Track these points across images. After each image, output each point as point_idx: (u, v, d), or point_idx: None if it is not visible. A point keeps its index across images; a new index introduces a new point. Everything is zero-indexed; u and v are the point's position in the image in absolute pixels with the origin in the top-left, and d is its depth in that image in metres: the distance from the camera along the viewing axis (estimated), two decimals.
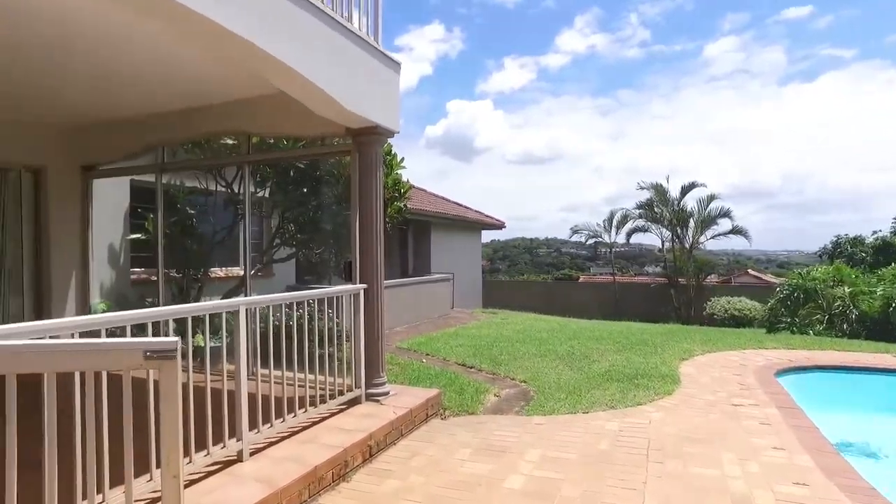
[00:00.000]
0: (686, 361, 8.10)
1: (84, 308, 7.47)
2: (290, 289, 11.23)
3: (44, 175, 7.23)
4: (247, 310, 3.83)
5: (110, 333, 2.97)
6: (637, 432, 5.02)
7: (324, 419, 4.75)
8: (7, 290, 7.04)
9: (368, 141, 5.30)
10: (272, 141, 7.04)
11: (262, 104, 5.85)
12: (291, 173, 8.12)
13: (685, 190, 23.17)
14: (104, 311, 7.57)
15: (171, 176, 8.35)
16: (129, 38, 4.49)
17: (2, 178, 7.02)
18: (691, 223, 22.88)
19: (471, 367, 7.74)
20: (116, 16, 3.94)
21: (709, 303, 19.42)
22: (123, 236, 8.24)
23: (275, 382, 4.18)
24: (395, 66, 5.56)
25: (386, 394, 5.37)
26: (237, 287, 8.27)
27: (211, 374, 3.62)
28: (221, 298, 8.37)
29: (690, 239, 23.03)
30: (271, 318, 4.28)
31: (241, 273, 9.95)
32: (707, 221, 22.54)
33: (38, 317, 7.25)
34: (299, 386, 4.66)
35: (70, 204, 7.39)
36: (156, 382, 1.73)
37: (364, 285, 5.15)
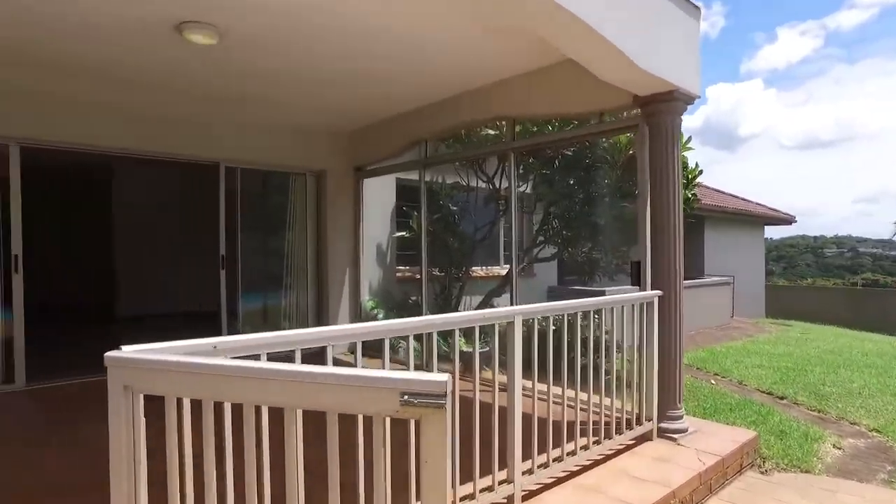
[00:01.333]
0: None
1: (356, 305, 7.70)
2: (550, 290, 10.53)
3: (324, 178, 7.61)
4: (522, 320, 3.08)
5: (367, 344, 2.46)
6: None
7: (606, 458, 3.79)
8: (296, 284, 7.55)
9: (662, 110, 4.19)
10: (535, 129, 6.34)
11: (524, 84, 5.15)
12: (556, 164, 7.34)
13: None
14: (373, 310, 7.74)
15: (433, 173, 8.23)
16: (388, 27, 4.16)
17: (292, 182, 7.56)
18: None
19: (781, 399, 6.04)
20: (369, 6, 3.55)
21: None
22: (390, 234, 8.38)
23: (539, 398, 3.34)
24: (695, 10, 4.35)
25: (684, 431, 4.19)
26: (500, 287, 7.80)
27: (465, 380, 2.93)
28: (483, 299, 8.00)
29: None
30: (536, 327, 3.47)
31: (502, 273, 9.54)
32: None
33: (320, 311, 7.67)
34: (569, 406, 3.74)
35: (344, 204, 7.68)
36: (416, 424, 1.33)
37: (659, 292, 4.06)
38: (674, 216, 4.15)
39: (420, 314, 8.02)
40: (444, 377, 1.34)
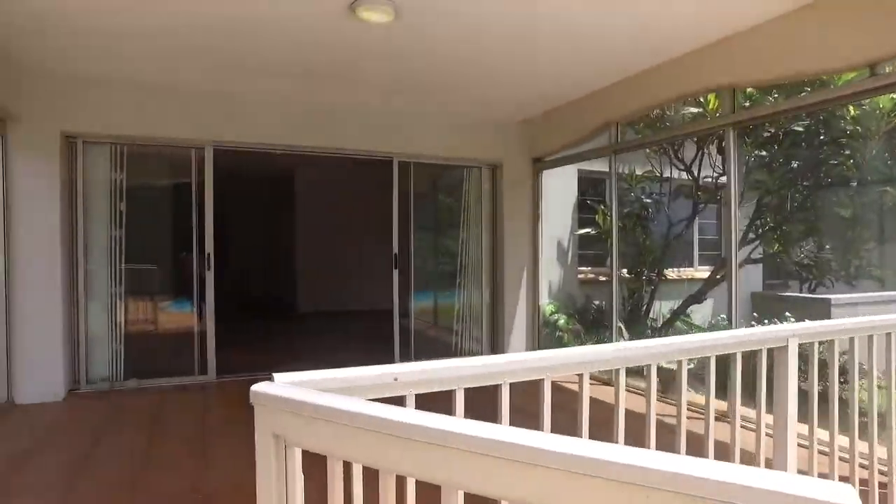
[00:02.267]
0: None
1: (534, 309, 7.06)
2: (755, 297, 9.01)
3: (499, 171, 7.08)
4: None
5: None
6: None
7: None
8: (469, 284, 7.11)
9: None
10: (746, 104, 5.17)
11: (756, 40, 4.11)
12: (776, 145, 6.04)
13: None
14: (553, 314, 7.05)
15: (621, 162, 7.33)
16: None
17: (466, 176, 7.13)
18: None
19: None
20: None
21: None
22: (571, 232, 7.63)
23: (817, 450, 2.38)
24: None
25: None
26: (701, 292, 6.67)
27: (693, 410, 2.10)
28: (680, 306, 6.93)
29: None
30: (816, 353, 2.50)
31: (696, 275, 8.30)
32: None
33: (494, 314, 7.15)
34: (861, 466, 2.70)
35: (521, 198, 7.07)
36: None
37: None
38: None
39: (605, 321, 7.16)
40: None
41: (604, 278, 7.92)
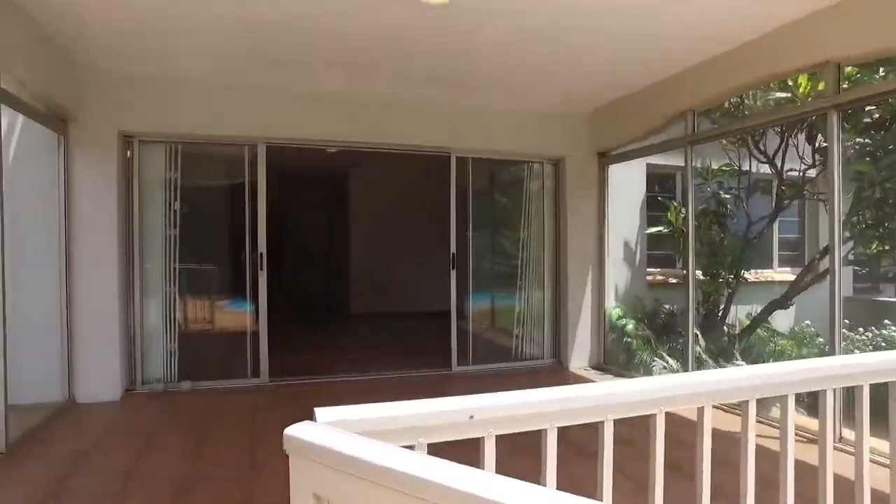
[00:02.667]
0: None
1: (599, 312, 6.63)
2: (845, 302, 8.22)
3: (562, 166, 6.68)
4: None
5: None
6: None
7: None
8: (530, 285, 6.74)
9: None
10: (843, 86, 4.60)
11: (854, 7, 3.60)
12: (882, 131, 5.39)
13: None
14: (619, 319, 6.59)
15: (695, 155, 6.81)
16: None
17: (526, 172, 6.77)
18: None
19: None
20: None
21: None
22: (639, 231, 7.15)
23: None
24: None
25: None
26: (787, 296, 6.08)
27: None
28: (762, 312, 6.36)
29: None
30: None
31: (778, 277, 7.66)
32: None
33: (556, 317, 6.75)
34: None
35: (585, 195, 6.65)
36: None
37: None
38: None
39: (676, 326, 6.65)
40: None
41: (674, 280, 7.40)
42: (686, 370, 5.33)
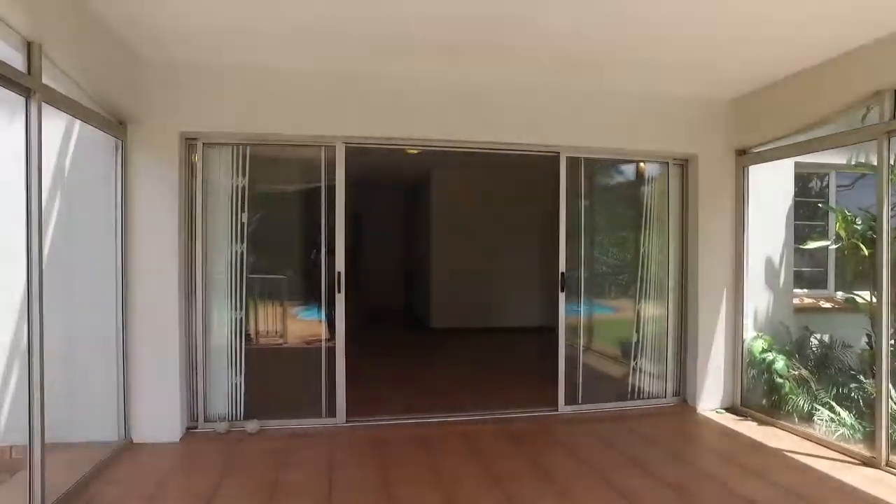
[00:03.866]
0: None
1: (735, 341, 5.44)
2: None
3: (691, 166, 5.54)
4: None
5: None
6: None
7: None
8: (649, 307, 5.63)
9: None
10: None
11: None
12: None
13: None
14: (764, 353, 5.36)
15: (857, 151, 5.52)
16: None
17: (649, 173, 5.67)
18: None
19: None
20: None
21: None
22: (785, 245, 5.88)
23: None
24: None
25: None
26: None
27: None
28: None
29: None
30: None
31: None
32: None
33: (681, 346, 5.62)
34: None
35: (719, 201, 5.47)
36: None
37: None
38: None
39: (835, 363, 5.36)
40: None
41: (827, 305, 6.08)
42: (873, 430, 4.10)
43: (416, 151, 6.57)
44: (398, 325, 11.04)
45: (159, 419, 4.40)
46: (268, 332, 5.25)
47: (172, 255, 4.42)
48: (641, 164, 5.65)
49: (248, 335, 4.82)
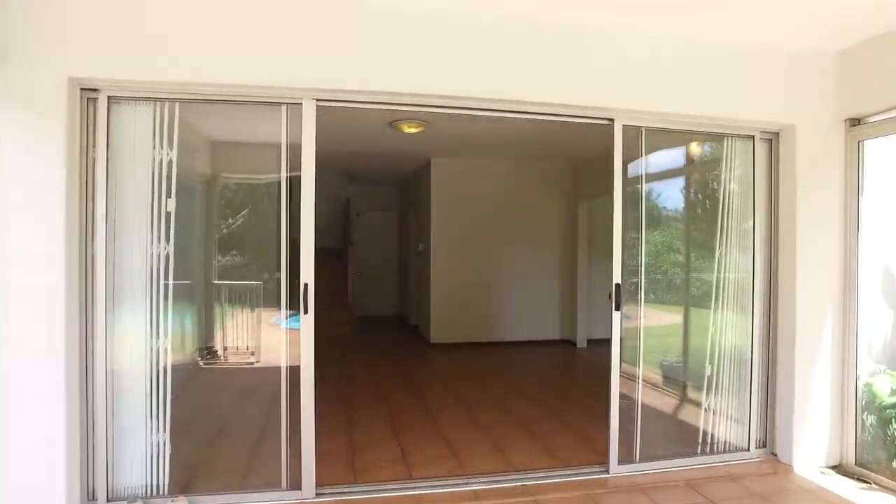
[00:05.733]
0: None
1: (845, 377, 4.03)
2: None
3: (786, 141, 4.14)
4: None
5: None
6: None
7: None
8: (726, 327, 4.22)
9: None
10: None
11: None
12: None
13: None
14: (894, 395, 3.95)
15: None
16: None
17: (727, 151, 4.24)
18: None
19: None
20: None
21: None
22: None
23: None
24: None
25: None
26: None
27: None
28: None
29: None
30: None
31: None
32: None
33: (768, 380, 4.22)
34: None
35: (822, 188, 4.08)
36: None
37: None
38: None
39: None
40: None
41: None
42: None
43: (416, 129, 5.16)
44: (395, 342, 9.57)
45: (32, 497, 2.98)
46: (211, 365, 3.82)
47: (55, 261, 2.99)
48: (719, 136, 4.22)
49: (173, 370, 3.37)
